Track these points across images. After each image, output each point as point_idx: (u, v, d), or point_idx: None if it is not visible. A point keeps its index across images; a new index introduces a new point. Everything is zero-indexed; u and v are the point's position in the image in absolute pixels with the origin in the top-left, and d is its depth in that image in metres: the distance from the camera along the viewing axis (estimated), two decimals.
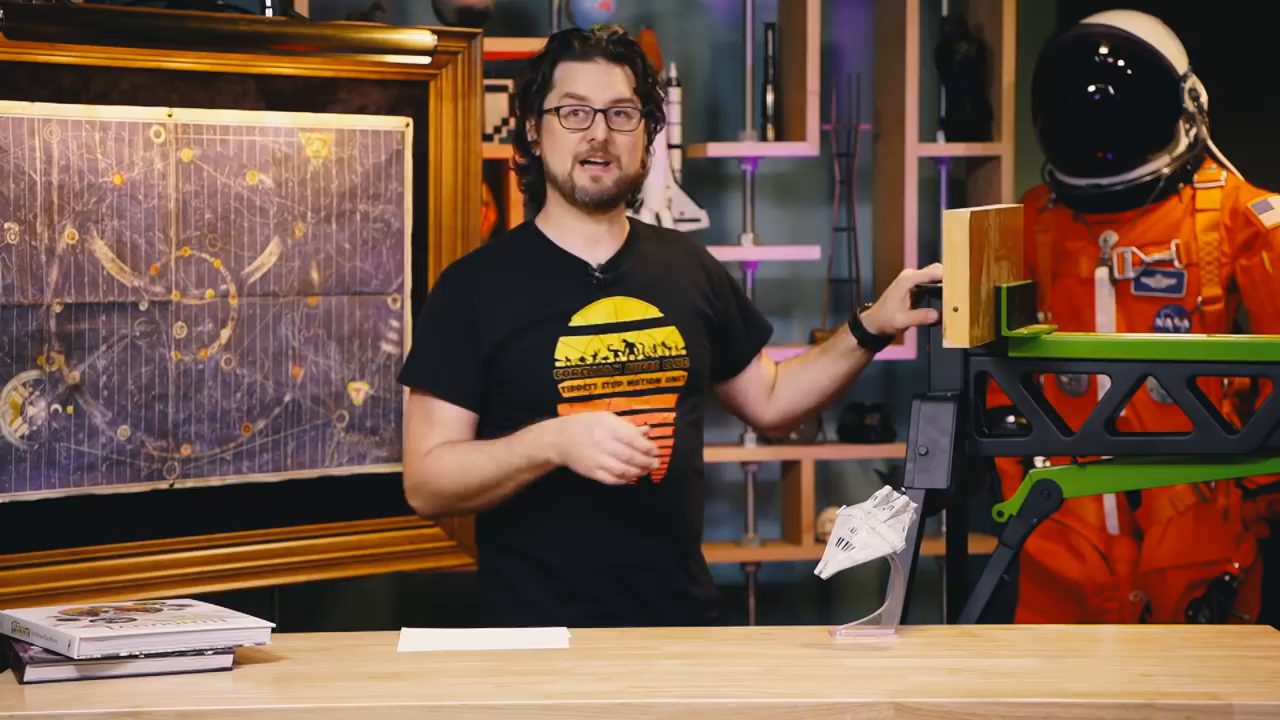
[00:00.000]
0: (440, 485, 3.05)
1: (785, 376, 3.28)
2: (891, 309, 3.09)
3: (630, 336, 3.08)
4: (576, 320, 3.07)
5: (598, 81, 3.05)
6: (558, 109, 3.05)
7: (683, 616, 3.09)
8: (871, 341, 3.16)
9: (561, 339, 3.05)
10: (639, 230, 3.21)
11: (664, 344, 3.10)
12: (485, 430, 3.08)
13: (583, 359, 3.05)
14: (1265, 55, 4.75)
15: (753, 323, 3.29)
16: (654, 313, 3.11)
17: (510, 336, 3.05)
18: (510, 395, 3.06)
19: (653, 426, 3.05)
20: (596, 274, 3.10)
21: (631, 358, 3.08)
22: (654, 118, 3.12)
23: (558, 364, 3.04)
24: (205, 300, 3.58)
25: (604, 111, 3.04)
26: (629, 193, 3.13)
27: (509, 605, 3.08)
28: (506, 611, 3.06)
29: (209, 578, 3.57)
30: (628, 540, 3.07)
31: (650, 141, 3.13)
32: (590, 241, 3.12)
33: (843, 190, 4.83)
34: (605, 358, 3.06)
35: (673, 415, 3.10)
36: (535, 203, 3.19)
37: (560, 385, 3.04)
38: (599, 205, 3.08)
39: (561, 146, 3.06)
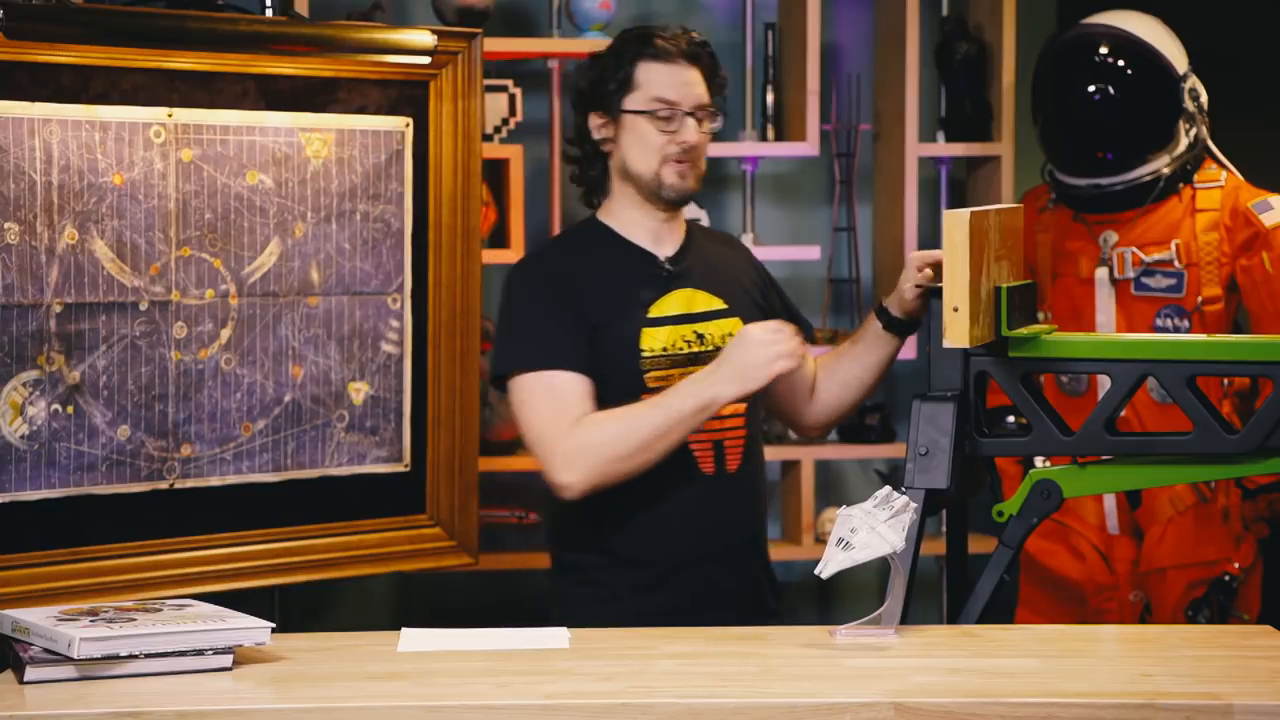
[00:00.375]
0: (603, 449, 3.01)
1: (822, 373, 3.33)
2: (901, 287, 3.16)
3: (700, 328, 3.16)
4: (654, 311, 3.13)
5: (684, 84, 3.13)
6: (651, 112, 3.10)
7: (758, 606, 3.18)
8: (897, 325, 3.20)
9: (644, 329, 3.12)
10: (693, 229, 3.28)
11: (730, 334, 3.15)
12: None
13: (664, 349, 3.12)
14: (1265, 55, 4.75)
15: (796, 321, 3.35)
16: (719, 304, 3.20)
17: (599, 325, 3.11)
18: (597, 382, 3.11)
19: (725, 417, 3.12)
20: (666, 266, 3.17)
21: (702, 349, 3.15)
22: (718, 119, 3.21)
23: (643, 354, 3.11)
24: (205, 300, 3.57)
25: (691, 114, 3.12)
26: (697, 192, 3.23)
27: (588, 598, 3.15)
28: (585, 605, 3.13)
29: (209, 578, 3.57)
30: (708, 529, 3.14)
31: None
32: (656, 236, 3.19)
33: (843, 190, 4.83)
34: (680, 348, 3.13)
35: (744, 405, 3.16)
36: (592, 195, 3.23)
37: (646, 375, 3.11)
38: (679, 202, 3.16)
39: (649, 146, 3.12)
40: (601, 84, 3.14)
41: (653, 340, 3.12)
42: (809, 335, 3.37)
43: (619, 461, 3.02)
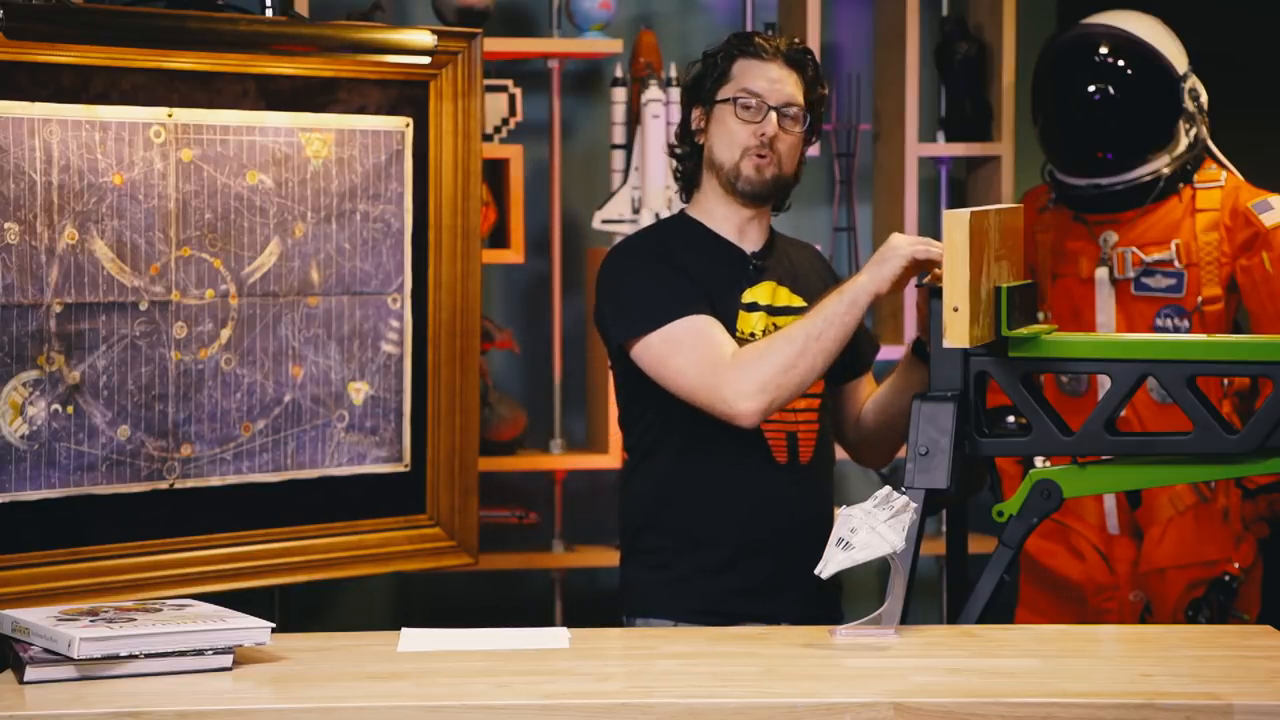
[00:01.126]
0: (767, 364, 3.02)
1: (869, 400, 3.36)
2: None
3: (780, 321, 3.19)
4: (745, 298, 3.19)
5: (773, 80, 3.18)
6: (734, 100, 3.17)
7: (822, 596, 3.18)
8: (919, 347, 3.22)
9: (740, 312, 3.17)
10: (775, 233, 3.33)
11: None
12: (664, 397, 3.12)
13: (753, 335, 3.16)
14: (1265, 55, 4.75)
15: (867, 337, 3.38)
16: (799, 302, 3.23)
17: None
18: None
19: (799, 410, 3.17)
20: (753, 260, 3.23)
21: None
22: (814, 129, 3.24)
23: (739, 335, 3.15)
24: (205, 300, 3.58)
25: (776, 109, 3.17)
26: (783, 192, 3.25)
27: (658, 582, 3.17)
28: (655, 589, 3.17)
29: (209, 578, 3.57)
30: (779, 515, 3.17)
31: (805, 151, 3.26)
32: (742, 232, 3.24)
33: (843, 190, 4.83)
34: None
35: (819, 401, 3.22)
36: (685, 190, 3.30)
37: None
38: (756, 196, 3.20)
39: (732, 137, 3.18)
40: (701, 79, 3.24)
41: (746, 324, 3.17)
42: (875, 349, 3.42)
43: (785, 372, 3.02)
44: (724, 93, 3.19)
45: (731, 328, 3.15)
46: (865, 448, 3.39)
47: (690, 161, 3.26)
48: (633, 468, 3.26)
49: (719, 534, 3.17)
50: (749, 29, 4.71)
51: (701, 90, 3.23)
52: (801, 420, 3.20)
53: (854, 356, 3.27)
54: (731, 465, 3.16)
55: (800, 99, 3.20)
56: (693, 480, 3.17)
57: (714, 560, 3.16)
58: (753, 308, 3.20)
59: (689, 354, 3.08)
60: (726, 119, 3.18)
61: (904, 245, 3.02)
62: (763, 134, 3.16)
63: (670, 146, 3.33)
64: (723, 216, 3.24)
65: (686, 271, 3.16)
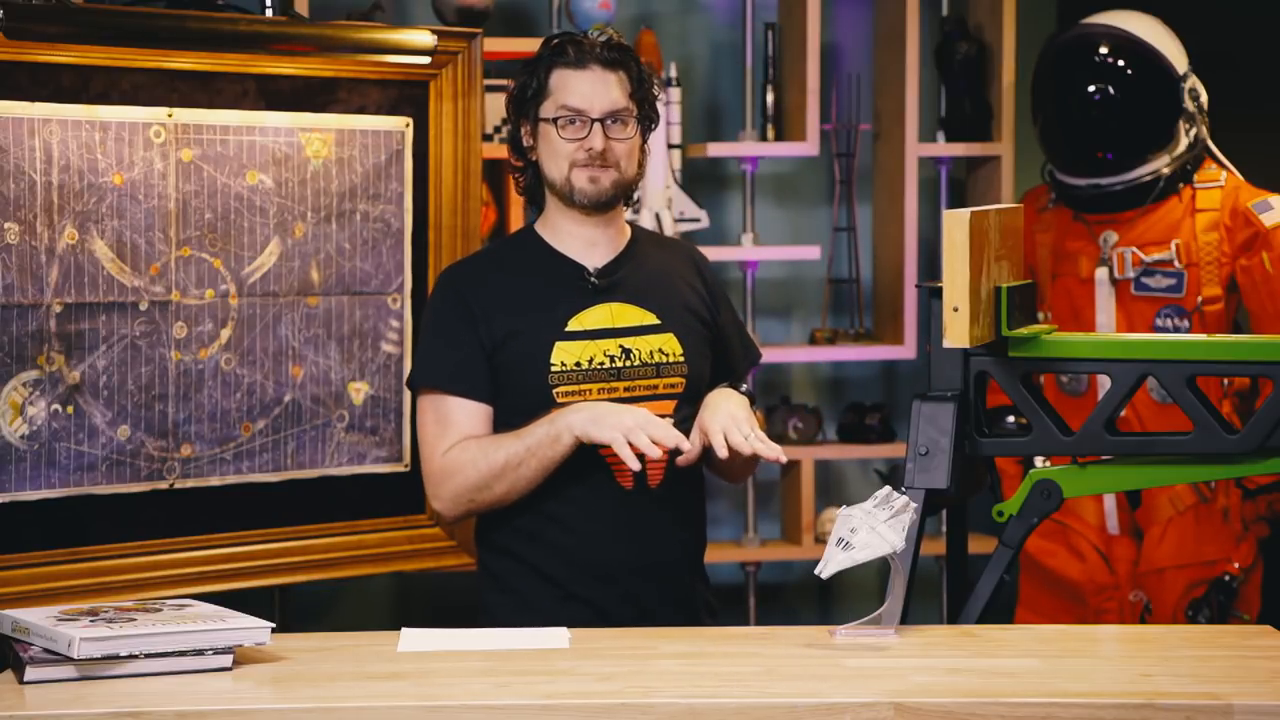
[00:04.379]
0: (464, 475, 3.00)
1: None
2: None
3: (627, 342, 3.08)
4: (573, 325, 3.06)
5: (594, 90, 3.05)
6: (555, 119, 3.05)
7: (680, 621, 3.07)
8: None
9: (558, 343, 3.04)
10: (640, 235, 3.20)
11: (660, 350, 3.09)
12: (499, 420, 3.06)
13: (578, 364, 3.04)
14: (1265, 55, 4.75)
15: (747, 342, 3.28)
16: (650, 319, 3.10)
17: (507, 339, 3.04)
18: (502, 398, 3.05)
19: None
20: (593, 278, 3.10)
21: (628, 364, 3.07)
22: (649, 121, 3.12)
23: (553, 369, 3.03)
24: (205, 300, 3.58)
25: (601, 120, 3.05)
26: (626, 195, 3.13)
27: (509, 607, 3.06)
28: (506, 613, 3.05)
29: (209, 578, 3.57)
30: (625, 546, 3.05)
31: (644, 143, 3.14)
32: (588, 245, 3.12)
33: (843, 190, 4.83)
34: (601, 363, 3.05)
35: (670, 422, 3.06)
36: (534, 205, 3.20)
37: (555, 390, 3.02)
38: (597, 207, 3.08)
39: (559, 154, 3.06)
40: (523, 93, 3.11)
41: (566, 354, 3.04)
42: (753, 361, 3.29)
43: (480, 490, 3.00)
44: (545, 110, 3.07)
45: (544, 359, 3.02)
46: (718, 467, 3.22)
47: (529, 175, 3.14)
48: None
49: (561, 566, 3.05)
50: (749, 29, 4.71)
51: (524, 105, 3.10)
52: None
53: (725, 365, 3.18)
54: (571, 492, 3.02)
55: (624, 100, 3.06)
56: (535, 511, 3.04)
57: (561, 592, 3.04)
58: (579, 335, 3.05)
59: (425, 432, 3.08)
60: (551, 137, 3.06)
61: (631, 430, 2.88)
62: (590, 148, 3.04)
63: (508, 163, 3.19)
64: (567, 231, 3.11)
65: (493, 316, 3.04)
